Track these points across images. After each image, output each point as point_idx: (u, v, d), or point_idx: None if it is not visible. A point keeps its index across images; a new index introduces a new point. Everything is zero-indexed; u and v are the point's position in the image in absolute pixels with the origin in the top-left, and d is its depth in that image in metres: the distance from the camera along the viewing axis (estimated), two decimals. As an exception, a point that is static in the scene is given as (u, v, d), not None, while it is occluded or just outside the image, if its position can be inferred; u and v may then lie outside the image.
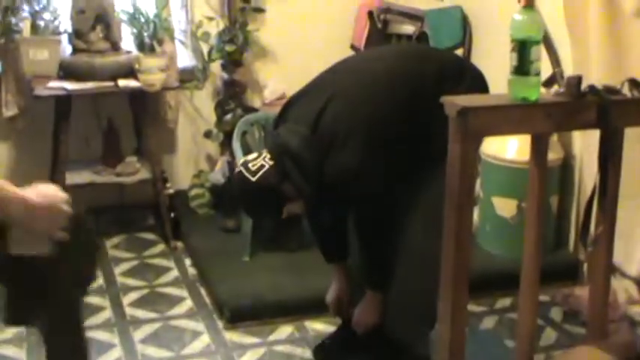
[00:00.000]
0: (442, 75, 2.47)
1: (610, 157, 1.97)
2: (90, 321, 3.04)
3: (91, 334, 2.95)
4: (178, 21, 4.12)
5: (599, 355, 1.88)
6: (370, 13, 4.22)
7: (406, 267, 2.55)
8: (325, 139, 2.39)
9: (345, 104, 2.43)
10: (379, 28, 4.20)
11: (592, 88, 1.90)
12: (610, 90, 1.92)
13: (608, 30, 3.00)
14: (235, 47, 4.03)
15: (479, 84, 2.53)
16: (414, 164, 2.46)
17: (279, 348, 2.91)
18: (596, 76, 2.90)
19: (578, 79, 1.90)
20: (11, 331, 2.96)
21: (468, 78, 2.52)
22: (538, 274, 2.10)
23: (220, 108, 4.14)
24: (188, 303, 3.26)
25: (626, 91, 1.95)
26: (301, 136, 2.41)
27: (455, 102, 1.79)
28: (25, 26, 3.69)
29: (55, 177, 3.76)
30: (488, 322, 3.10)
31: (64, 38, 3.81)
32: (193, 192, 4.10)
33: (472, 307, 3.09)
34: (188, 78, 4.02)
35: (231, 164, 3.67)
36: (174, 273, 3.54)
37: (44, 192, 1.68)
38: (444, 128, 1.85)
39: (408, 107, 2.42)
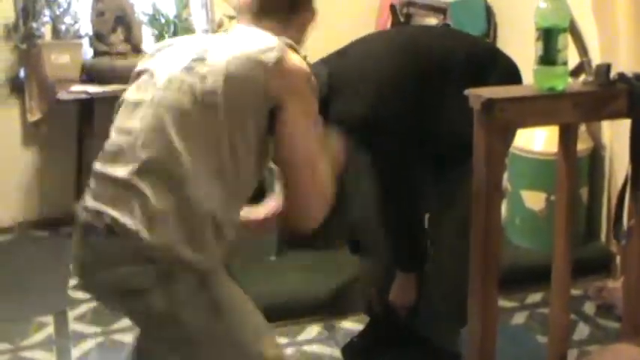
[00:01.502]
0: (471, 58, 2.41)
1: (642, 146, 1.91)
2: (118, 324, 3.04)
3: (117, 337, 2.96)
4: (199, 21, 4.11)
5: (636, 351, 1.83)
6: (392, 7, 4.18)
7: (438, 265, 2.52)
8: (337, 84, 2.34)
9: (361, 64, 2.40)
10: (402, 21, 4.16)
11: (622, 75, 1.84)
12: (640, 77, 1.86)
13: (636, 16, 2.93)
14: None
15: (512, 74, 2.47)
16: (446, 153, 2.41)
17: (308, 348, 2.88)
18: (624, 64, 2.83)
19: (607, 67, 1.84)
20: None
21: (501, 67, 2.45)
22: (569, 268, 2.05)
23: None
24: (215, 304, 3.24)
25: (657, 78, 1.88)
26: (320, 68, 2.37)
27: (479, 94, 1.75)
28: (46, 31, 3.71)
29: (80, 181, 3.77)
30: (520, 318, 3.05)
31: (85, 41, 3.82)
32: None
33: (503, 303, 3.04)
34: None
35: None
36: (201, 274, 3.52)
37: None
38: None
39: (431, 81, 2.36)
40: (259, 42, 1.75)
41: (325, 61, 2.46)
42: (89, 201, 1.71)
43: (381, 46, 2.47)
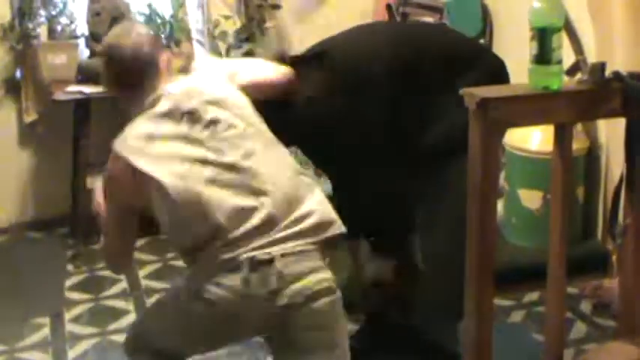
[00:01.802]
0: (452, 53, 2.41)
1: (637, 145, 1.91)
2: (114, 325, 3.04)
3: (113, 338, 2.95)
4: (195, 21, 4.11)
5: (632, 350, 1.83)
6: (389, 6, 4.17)
7: (433, 264, 2.52)
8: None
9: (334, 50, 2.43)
10: (398, 21, 4.16)
11: (616, 74, 1.84)
12: (635, 76, 1.86)
13: (632, 15, 2.93)
14: (253, 45, 4.01)
15: (496, 74, 2.46)
16: (432, 151, 2.40)
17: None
18: (620, 63, 2.83)
19: (602, 66, 1.84)
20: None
21: (485, 65, 2.44)
22: (565, 267, 2.04)
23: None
24: (212, 304, 3.23)
25: (652, 76, 1.88)
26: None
27: (474, 93, 1.74)
28: (42, 31, 3.70)
29: (76, 182, 3.77)
30: (517, 316, 3.05)
31: (82, 42, 3.81)
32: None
33: (500, 301, 3.04)
34: (206, 77, 4.00)
35: None
36: (198, 274, 3.51)
37: None
38: (458, 115, 1.81)
39: (407, 70, 2.35)
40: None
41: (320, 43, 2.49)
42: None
43: (366, 38, 2.49)
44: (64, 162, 3.89)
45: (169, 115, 1.98)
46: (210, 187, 1.90)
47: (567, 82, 1.90)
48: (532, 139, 3.37)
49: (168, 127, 1.96)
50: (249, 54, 4.01)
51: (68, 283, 3.42)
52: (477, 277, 1.85)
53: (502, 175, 3.51)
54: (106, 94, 3.51)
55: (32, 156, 4.02)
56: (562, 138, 1.98)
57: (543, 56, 1.77)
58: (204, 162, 1.92)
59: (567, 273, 2.07)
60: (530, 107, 1.80)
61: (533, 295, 3.18)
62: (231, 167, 1.93)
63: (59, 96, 3.58)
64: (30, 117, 3.82)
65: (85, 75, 3.68)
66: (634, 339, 1.95)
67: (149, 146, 1.94)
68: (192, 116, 1.97)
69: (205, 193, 1.89)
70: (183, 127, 1.96)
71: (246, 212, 1.90)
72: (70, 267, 3.59)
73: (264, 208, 1.90)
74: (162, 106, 1.99)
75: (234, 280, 1.88)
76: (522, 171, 3.43)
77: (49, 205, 4.03)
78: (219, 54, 4.04)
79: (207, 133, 1.96)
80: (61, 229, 3.96)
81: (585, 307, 3.10)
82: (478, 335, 1.88)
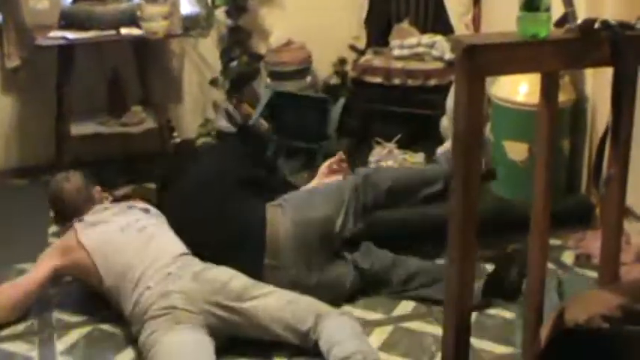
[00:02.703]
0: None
1: (624, 95, 1.90)
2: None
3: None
4: (181, -33, 4.03)
5: (610, 297, 1.84)
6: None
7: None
8: None
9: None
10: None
11: (605, 23, 1.82)
12: (624, 25, 1.84)
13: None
14: (241, -6, 3.95)
15: None
16: None
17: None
18: (610, 15, 2.80)
19: (592, 22, 1.82)
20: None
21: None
22: (548, 218, 2.05)
23: (226, 55, 4.08)
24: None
25: (640, 26, 1.87)
26: None
27: (460, 40, 1.73)
28: (24, -25, 3.62)
29: (60, 128, 3.73)
30: (499, 267, 3.06)
31: (64, -14, 3.74)
32: (200, 141, 4.08)
33: (482, 252, 3.04)
34: (192, 25, 3.95)
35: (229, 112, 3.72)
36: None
37: None
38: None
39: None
40: None
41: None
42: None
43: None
44: (47, 108, 3.85)
45: None
46: None
47: (554, 31, 1.87)
48: (519, 90, 3.36)
49: None
50: (235, 1, 3.97)
51: (51, 229, 3.41)
52: (460, 227, 1.85)
53: (487, 127, 3.50)
54: (89, 40, 3.52)
55: (15, 102, 3.97)
56: (548, 88, 1.97)
57: (532, 3, 1.75)
58: None
59: (551, 225, 2.08)
60: (518, 55, 1.78)
61: (516, 247, 3.19)
62: None
63: (42, 41, 3.52)
64: (12, 62, 3.76)
65: (68, 21, 3.62)
66: (612, 286, 1.97)
67: None
68: None
69: None
70: None
71: None
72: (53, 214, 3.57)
73: None
74: None
75: None
76: (508, 122, 3.43)
77: (33, 151, 4.00)
78: (206, 1, 3.98)
79: None
80: (44, 176, 3.94)
81: (567, 257, 3.12)
82: (460, 284, 1.90)
